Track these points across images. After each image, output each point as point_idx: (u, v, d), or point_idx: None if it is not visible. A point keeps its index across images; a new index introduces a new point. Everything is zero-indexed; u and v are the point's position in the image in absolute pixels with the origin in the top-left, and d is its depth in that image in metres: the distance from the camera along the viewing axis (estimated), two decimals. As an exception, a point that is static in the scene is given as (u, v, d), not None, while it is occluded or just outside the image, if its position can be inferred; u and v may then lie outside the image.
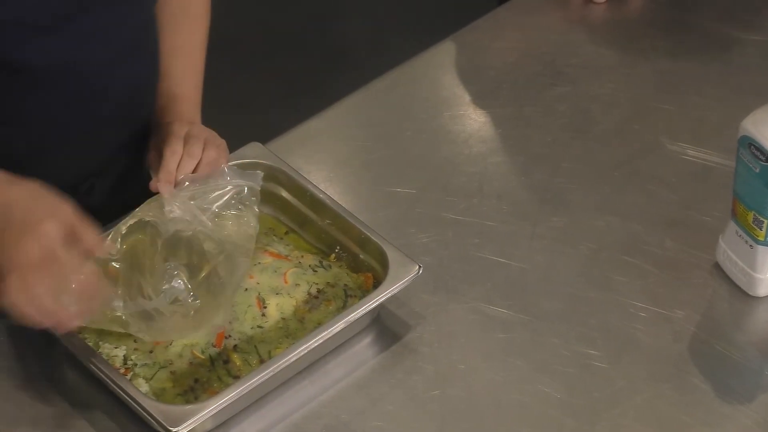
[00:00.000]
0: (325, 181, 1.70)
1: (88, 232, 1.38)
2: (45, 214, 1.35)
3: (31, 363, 1.51)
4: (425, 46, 1.93)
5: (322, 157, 1.72)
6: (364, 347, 1.54)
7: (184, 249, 1.50)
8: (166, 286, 1.47)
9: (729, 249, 1.59)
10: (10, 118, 1.51)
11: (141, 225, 1.51)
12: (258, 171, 1.57)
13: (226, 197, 1.53)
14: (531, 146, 1.78)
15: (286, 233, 1.62)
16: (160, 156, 1.54)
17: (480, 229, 1.66)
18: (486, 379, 1.51)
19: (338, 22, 3.43)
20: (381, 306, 1.52)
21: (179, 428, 1.37)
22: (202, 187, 1.53)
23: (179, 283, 1.47)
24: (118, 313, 1.45)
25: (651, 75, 1.90)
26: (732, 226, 1.58)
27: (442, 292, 1.59)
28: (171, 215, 1.50)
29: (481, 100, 1.85)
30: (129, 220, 1.51)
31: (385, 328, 1.55)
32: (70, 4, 1.45)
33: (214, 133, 1.58)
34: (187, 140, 1.54)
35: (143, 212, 1.51)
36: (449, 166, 1.75)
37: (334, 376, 1.51)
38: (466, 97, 1.85)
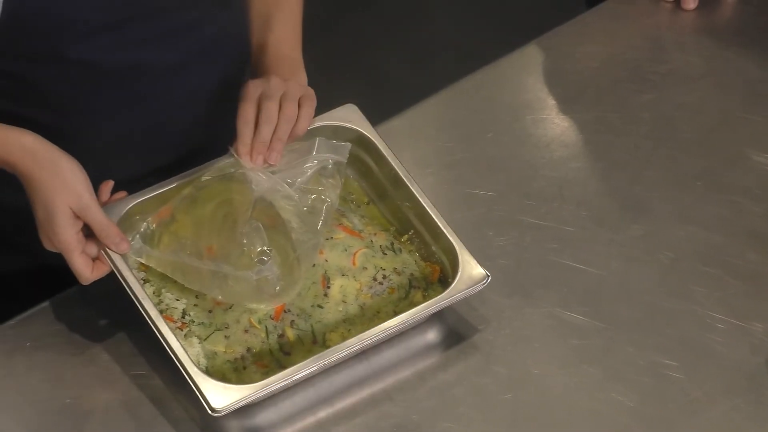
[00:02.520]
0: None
1: (102, 228, 1.45)
2: (64, 221, 1.42)
3: (90, 326, 1.54)
4: (510, 49, 1.92)
5: (403, 156, 1.72)
6: (438, 348, 1.54)
7: (266, 215, 1.49)
8: (259, 266, 1.46)
9: (811, 263, 1.57)
10: (76, 114, 1.53)
11: (224, 178, 1.51)
12: (347, 143, 1.56)
13: (311, 172, 1.52)
14: (613, 152, 1.77)
15: (367, 203, 1.62)
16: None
17: (558, 234, 1.66)
18: (559, 384, 1.50)
19: (424, 23, 3.43)
20: (448, 307, 1.51)
21: (223, 408, 1.39)
22: (288, 158, 1.51)
23: (273, 269, 1.47)
24: (193, 264, 1.47)
25: (739, 85, 1.88)
26: (815, 240, 1.56)
27: (518, 296, 1.58)
28: (255, 185, 1.49)
29: (564, 104, 1.84)
30: (212, 173, 1.52)
31: (460, 330, 1.55)
32: (138, 6, 1.45)
33: (303, 92, 1.54)
34: (262, 102, 1.51)
35: (231, 166, 1.51)
36: (530, 169, 1.74)
37: (407, 376, 1.51)
38: (549, 101, 1.84)
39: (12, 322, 1.53)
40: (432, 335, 1.54)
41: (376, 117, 1.79)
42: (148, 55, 1.50)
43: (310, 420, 1.47)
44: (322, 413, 1.47)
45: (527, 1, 3.39)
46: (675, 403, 1.49)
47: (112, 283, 1.50)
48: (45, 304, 1.55)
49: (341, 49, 3.30)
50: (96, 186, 1.48)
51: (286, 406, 1.47)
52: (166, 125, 1.59)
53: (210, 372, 1.44)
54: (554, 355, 1.53)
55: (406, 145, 1.77)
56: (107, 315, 1.53)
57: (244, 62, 1.65)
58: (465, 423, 1.47)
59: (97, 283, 1.50)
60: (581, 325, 1.56)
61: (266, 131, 1.49)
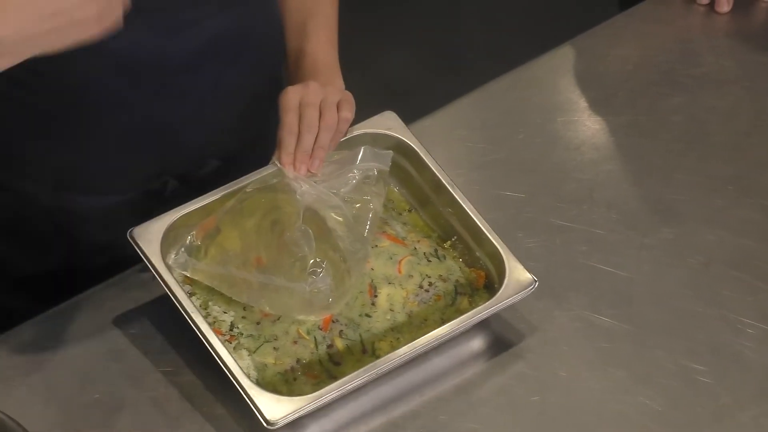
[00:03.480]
0: (435, 181, 1.70)
1: None
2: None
3: (119, 322, 1.54)
4: (542, 50, 1.92)
5: (434, 156, 1.72)
6: (467, 350, 1.54)
7: (312, 225, 1.48)
8: (312, 278, 1.46)
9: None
10: (95, 103, 1.52)
11: (267, 189, 1.51)
12: (389, 152, 1.56)
13: (354, 181, 1.52)
14: (644, 155, 1.76)
15: (409, 211, 1.62)
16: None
17: (588, 236, 1.65)
18: (587, 387, 1.50)
19: (456, 23, 3.43)
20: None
21: (278, 421, 1.39)
22: (332, 168, 1.52)
23: (326, 280, 1.46)
24: (241, 276, 1.46)
25: (772, 89, 1.87)
26: None
27: (547, 298, 1.58)
28: (300, 195, 1.49)
29: (596, 106, 1.84)
30: (255, 184, 1.52)
31: (489, 332, 1.55)
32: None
33: (341, 96, 1.54)
34: (302, 110, 1.50)
35: (274, 176, 1.51)
36: (560, 172, 1.74)
37: (435, 376, 1.51)
38: (581, 104, 1.84)
39: (41, 317, 1.54)
40: (459, 337, 1.54)
41: (407, 118, 1.79)
42: (157, 48, 1.49)
43: (338, 416, 1.47)
44: (345, 411, 1.47)
45: (560, 3, 3.38)
46: (703, 408, 1.48)
47: (140, 280, 1.51)
48: (74, 299, 1.55)
49: (373, 49, 3.30)
50: (105, 184, 1.46)
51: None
52: (182, 123, 1.58)
53: (261, 384, 1.43)
54: (582, 357, 1.53)
55: (437, 146, 1.76)
56: (136, 311, 1.54)
57: (271, 69, 1.65)
58: (491, 424, 1.47)
59: (125, 280, 1.51)
60: (610, 328, 1.55)
61: (308, 140, 1.49)
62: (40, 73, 1.45)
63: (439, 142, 1.78)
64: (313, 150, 1.50)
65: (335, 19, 1.65)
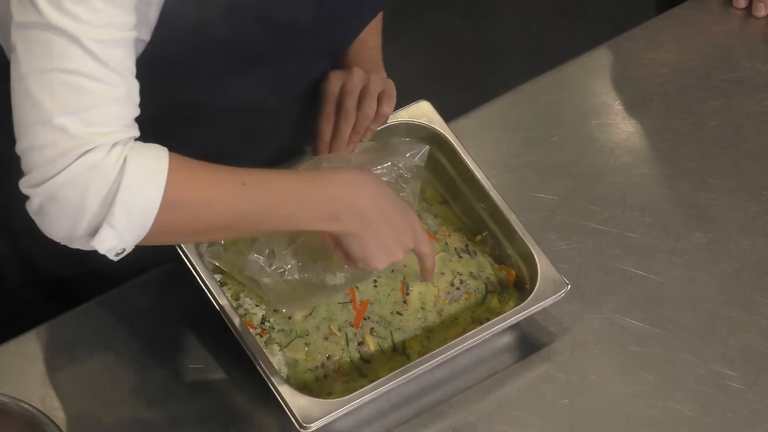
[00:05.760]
0: (468, 182, 1.70)
1: (429, 257, 1.43)
2: (404, 240, 1.39)
3: (149, 317, 1.55)
4: (578, 52, 1.91)
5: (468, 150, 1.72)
6: (497, 351, 1.54)
7: None
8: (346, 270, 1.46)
9: None
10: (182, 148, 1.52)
11: None
12: (425, 146, 1.56)
13: (393, 174, 1.52)
14: (678, 159, 1.76)
15: (440, 203, 1.61)
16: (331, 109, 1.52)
17: (621, 239, 1.65)
18: (617, 391, 1.50)
19: (492, 23, 3.43)
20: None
21: (311, 425, 1.39)
22: (368, 159, 1.52)
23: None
24: (287, 277, 1.45)
25: (810, 94, 1.86)
26: None
27: (578, 301, 1.57)
28: None
29: (630, 109, 1.83)
30: None
31: (520, 334, 1.55)
32: (246, 56, 1.42)
33: (383, 87, 1.54)
34: (344, 95, 1.50)
35: (311, 166, 1.51)
36: (594, 174, 1.73)
37: (465, 378, 1.51)
38: (616, 106, 1.83)
39: (73, 312, 1.55)
40: (489, 339, 1.54)
41: (441, 116, 1.79)
42: (255, 99, 1.49)
43: (364, 416, 1.47)
44: (373, 409, 1.47)
45: (596, 5, 3.37)
46: (735, 413, 1.47)
47: (169, 275, 1.52)
48: (106, 295, 1.56)
49: (410, 47, 3.30)
50: None
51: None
52: (269, 161, 1.58)
53: (291, 380, 1.44)
54: (613, 361, 1.52)
55: (471, 146, 1.76)
56: (166, 307, 1.54)
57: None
58: (520, 427, 1.46)
59: (154, 277, 1.52)
60: (641, 332, 1.55)
61: (345, 129, 1.50)
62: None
63: (473, 143, 1.78)
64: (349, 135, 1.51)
65: (381, 14, 1.65)
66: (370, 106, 1.51)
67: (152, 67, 1.30)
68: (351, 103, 1.51)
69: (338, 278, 1.46)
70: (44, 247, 1.64)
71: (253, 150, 1.56)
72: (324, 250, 1.44)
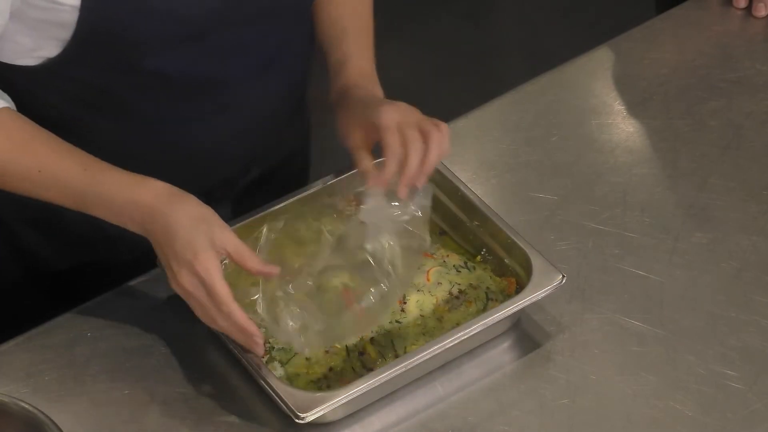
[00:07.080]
0: (468, 182, 1.69)
1: (249, 257, 1.40)
2: (204, 245, 1.37)
3: (150, 319, 1.54)
4: (578, 52, 1.92)
5: (466, 157, 1.72)
6: (497, 352, 1.54)
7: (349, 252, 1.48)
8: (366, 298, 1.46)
9: None
10: (156, 124, 1.54)
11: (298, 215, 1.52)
12: (428, 185, 1.50)
13: (401, 219, 1.49)
14: (678, 160, 1.76)
15: (439, 234, 1.61)
16: (366, 136, 1.49)
17: (621, 239, 1.65)
18: (617, 391, 1.50)
19: (492, 23, 3.43)
20: (521, 312, 1.51)
21: (308, 414, 1.39)
22: (373, 203, 1.49)
23: (373, 295, 1.46)
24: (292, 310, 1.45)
25: (810, 94, 1.86)
26: None
27: (578, 301, 1.57)
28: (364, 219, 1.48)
29: (630, 109, 1.83)
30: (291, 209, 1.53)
31: (519, 334, 1.55)
32: (209, 21, 1.45)
33: (419, 114, 1.50)
34: (403, 130, 1.46)
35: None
36: (593, 174, 1.73)
37: (465, 378, 1.51)
38: (616, 106, 1.84)
39: (74, 311, 1.55)
40: (489, 338, 1.54)
41: (441, 117, 1.79)
42: (219, 68, 1.51)
43: (364, 413, 1.47)
44: (374, 412, 1.47)
45: (596, 5, 3.38)
46: (735, 414, 1.47)
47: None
48: (107, 295, 1.56)
49: (410, 47, 3.31)
50: None
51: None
52: (245, 134, 1.60)
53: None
54: (613, 361, 1.52)
55: (470, 147, 1.77)
56: (168, 308, 1.54)
57: (306, 64, 1.65)
58: (520, 426, 1.46)
59: (157, 277, 1.52)
60: (641, 332, 1.55)
61: (415, 162, 1.44)
62: (104, 92, 1.49)
63: (473, 143, 1.78)
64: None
65: (372, 23, 1.65)
66: (437, 134, 1.46)
67: (106, 36, 1.37)
68: (417, 135, 1.45)
69: (354, 337, 1.48)
70: (43, 240, 1.66)
71: (221, 122, 1.56)
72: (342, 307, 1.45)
